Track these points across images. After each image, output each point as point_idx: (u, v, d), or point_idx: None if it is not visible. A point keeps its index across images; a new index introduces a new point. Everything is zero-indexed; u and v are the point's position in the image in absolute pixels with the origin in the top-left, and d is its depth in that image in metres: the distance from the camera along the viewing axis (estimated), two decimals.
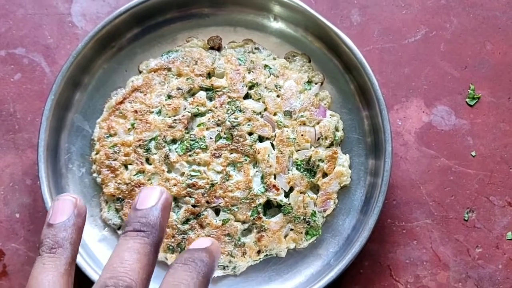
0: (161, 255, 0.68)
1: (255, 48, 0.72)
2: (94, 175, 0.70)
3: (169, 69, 0.71)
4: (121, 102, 0.70)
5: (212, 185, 0.68)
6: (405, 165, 0.73)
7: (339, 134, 0.70)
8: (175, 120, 0.69)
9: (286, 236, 0.69)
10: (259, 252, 0.68)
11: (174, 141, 0.69)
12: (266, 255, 0.69)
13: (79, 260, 0.65)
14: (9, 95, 0.74)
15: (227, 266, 0.68)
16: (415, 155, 0.73)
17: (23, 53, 0.75)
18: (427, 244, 0.72)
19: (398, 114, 0.74)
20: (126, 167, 0.69)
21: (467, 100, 0.75)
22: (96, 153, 0.70)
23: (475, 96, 0.75)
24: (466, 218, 0.73)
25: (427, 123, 0.74)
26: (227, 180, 0.68)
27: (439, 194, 0.73)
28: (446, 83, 0.75)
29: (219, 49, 0.73)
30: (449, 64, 0.75)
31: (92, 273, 0.65)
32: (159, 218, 0.43)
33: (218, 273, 0.68)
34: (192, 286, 0.41)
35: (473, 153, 0.74)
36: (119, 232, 0.70)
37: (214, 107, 0.69)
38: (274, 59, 0.72)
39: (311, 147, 0.69)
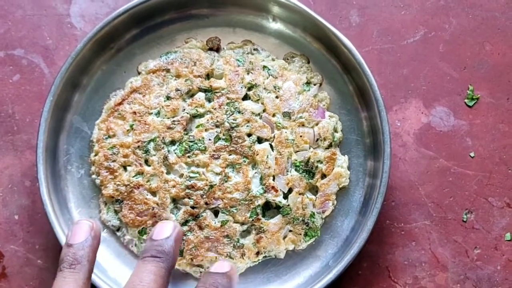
0: None
1: (254, 49, 0.72)
2: (93, 176, 0.70)
3: (168, 70, 0.71)
4: (120, 104, 0.70)
5: (211, 186, 0.68)
6: (404, 166, 0.73)
7: (338, 135, 0.70)
8: (174, 121, 0.69)
9: (285, 237, 0.69)
10: (258, 253, 0.68)
11: (173, 142, 0.69)
12: (265, 256, 0.69)
13: None
14: (8, 96, 0.74)
15: None
16: (414, 156, 0.74)
17: (22, 54, 0.75)
18: (426, 245, 0.72)
19: (397, 115, 0.74)
20: (125, 168, 0.69)
21: (466, 101, 0.75)
22: (95, 155, 0.70)
23: (474, 97, 0.75)
24: (464, 219, 0.73)
25: (426, 124, 0.74)
26: (226, 181, 0.68)
27: (438, 195, 0.73)
28: (445, 84, 0.75)
29: (218, 50, 0.73)
30: (448, 65, 0.75)
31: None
32: (172, 247, 0.51)
33: None
34: None
35: (472, 154, 0.74)
36: (118, 233, 0.70)
37: (213, 108, 0.69)
38: (273, 60, 0.72)
39: (309, 148, 0.69)
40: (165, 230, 0.52)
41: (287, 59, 0.73)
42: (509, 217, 0.72)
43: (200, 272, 0.68)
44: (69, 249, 0.50)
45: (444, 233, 0.72)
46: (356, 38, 0.75)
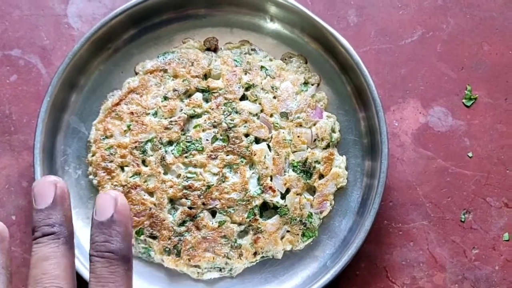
0: (157, 257, 0.68)
1: (252, 49, 0.72)
2: (90, 177, 0.70)
3: (165, 71, 0.71)
4: (117, 104, 0.70)
5: (208, 187, 0.68)
6: (402, 166, 0.73)
7: (336, 135, 0.70)
8: (171, 121, 0.69)
9: (282, 237, 0.69)
10: (255, 254, 0.68)
11: (170, 142, 0.69)
12: (263, 256, 0.69)
13: (76, 263, 0.65)
14: (5, 96, 0.74)
15: (223, 268, 0.68)
16: (411, 156, 0.73)
17: (19, 54, 0.75)
18: (424, 245, 0.72)
19: (394, 115, 0.74)
20: (122, 169, 0.69)
21: (464, 101, 0.75)
22: (92, 155, 0.70)
23: (472, 97, 0.74)
24: (462, 220, 0.73)
25: (424, 124, 0.74)
26: (223, 181, 0.68)
27: (436, 195, 0.73)
28: (443, 84, 0.75)
29: (215, 50, 0.73)
30: (446, 65, 0.75)
31: (87, 274, 0.65)
32: (62, 213, 0.41)
33: (214, 275, 0.68)
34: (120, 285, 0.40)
35: (470, 154, 0.74)
36: None
37: (210, 108, 0.69)
38: (271, 60, 0.72)
39: (307, 148, 0.69)
40: (46, 195, 0.41)
41: (285, 59, 0.72)
42: (507, 217, 0.72)
43: (198, 272, 0.68)
44: None
45: (442, 233, 0.72)
46: (354, 38, 0.75)
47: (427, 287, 0.71)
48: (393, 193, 0.73)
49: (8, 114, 0.74)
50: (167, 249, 0.68)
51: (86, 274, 0.65)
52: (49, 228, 0.41)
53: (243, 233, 0.68)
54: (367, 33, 0.75)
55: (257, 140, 0.69)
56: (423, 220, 0.72)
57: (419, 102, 0.74)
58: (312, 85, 0.71)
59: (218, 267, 0.68)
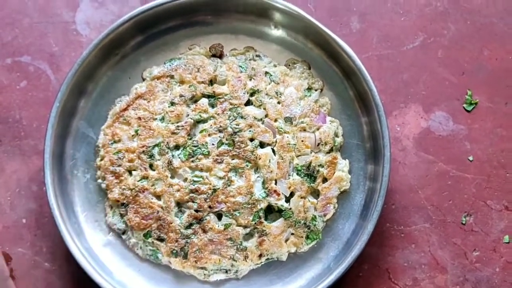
0: (165, 259, 0.70)
1: (256, 56, 0.74)
2: (99, 181, 0.71)
3: (172, 77, 0.72)
4: (125, 109, 0.71)
5: (214, 190, 0.69)
6: (404, 170, 0.75)
7: (339, 139, 0.72)
8: (178, 126, 0.70)
9: (287, 240, 0.70)
10: (260, 256, 0.70)
11: (177, 147, 0.70)
12: (268, 258, 0.70)
13: (85, 265, 0.66)
14: (15, 102, 0.76)
15: (229, 270, 0.70)
16: (413, 160, 0.75)
17: (28, 61, 0.77)
18: (425, 247, 0.73)
19: (396, 120, 0.75)
20: (130, 173, 0.70)
21: (464, 105, 0.76)
22: (101, 159, 0.71)
23: (472, 102, 0.76)
24: (463, 222, 0.74)
25: (425, 128, 0.75)
26: (229, 185, 0.69)
27: (437, 198, 0.74)
28: (444, 89, 0.76)
29: (220, 56, 0.74)
30: (447, 70, 0.76)
31: (97, 277, 0.66)
32: None
33: (220, 276, 0.70)
34: None
35: (471, 158, 0.75)
36: (124, 236, 0.71)
37: (216, 113, 0.71)
38: (275, 66, 0.73)
39: (311, 152, 0.71)
40: None
41: (289, 65, 0.74)
42: (508, 220, 0.74)
43: (204, 274, 0.70)
44: None
45: (443, 236, 0.73)
46: (357, 44, 0.76)
47: None
48: (396, 196, 0.74)
49: (18, 119, 0.75)
50: (174, 251, 0.69)
51: (94, 275, 0.67)
52: None
53: (248, 236, 0.70)
54: (370, 39, 0.77)
55: (262, 145, 0.71)
56: (424, 223, 0.74)
57: (420, 107, 0.76)
58: (316, 90, 0.73)
59: (224, 269, 0.69)
